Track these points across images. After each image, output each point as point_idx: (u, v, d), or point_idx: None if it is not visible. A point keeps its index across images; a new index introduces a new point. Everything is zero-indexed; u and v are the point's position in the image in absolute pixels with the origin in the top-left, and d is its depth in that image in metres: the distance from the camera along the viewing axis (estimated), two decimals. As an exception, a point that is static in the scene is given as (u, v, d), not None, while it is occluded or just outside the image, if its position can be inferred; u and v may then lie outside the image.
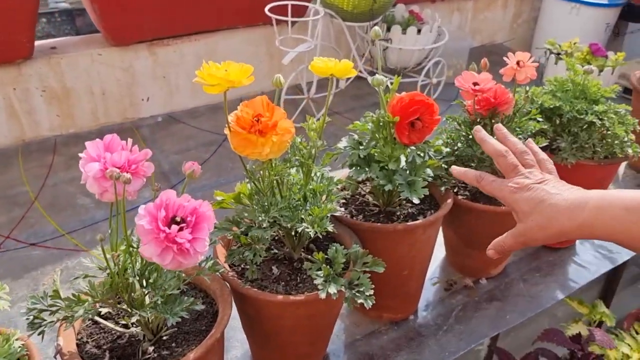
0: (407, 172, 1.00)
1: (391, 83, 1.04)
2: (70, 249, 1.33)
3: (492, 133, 1.13)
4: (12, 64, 1.58)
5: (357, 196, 1.15)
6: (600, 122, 1.20)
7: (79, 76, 1.71)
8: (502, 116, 1.09)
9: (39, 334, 0.71)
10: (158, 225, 0.63)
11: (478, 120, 1.11)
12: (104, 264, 0.74)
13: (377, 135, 1.03)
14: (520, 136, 1.14)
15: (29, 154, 1.68)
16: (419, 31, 1.93)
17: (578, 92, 1.27)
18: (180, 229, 0.64)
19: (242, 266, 0.95)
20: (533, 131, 1.16)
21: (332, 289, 0.84)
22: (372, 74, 2.02)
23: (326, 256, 0.90)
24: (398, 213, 1.09)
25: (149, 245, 0.63)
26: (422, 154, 0.99)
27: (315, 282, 0.85)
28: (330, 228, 0.88)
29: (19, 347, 0.70)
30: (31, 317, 0.72)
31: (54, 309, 0.72)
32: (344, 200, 1.14)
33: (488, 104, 1.08)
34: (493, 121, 1.10)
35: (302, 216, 0.88)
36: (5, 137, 1.68)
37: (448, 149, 1.15)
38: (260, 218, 0.86)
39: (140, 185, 0.74)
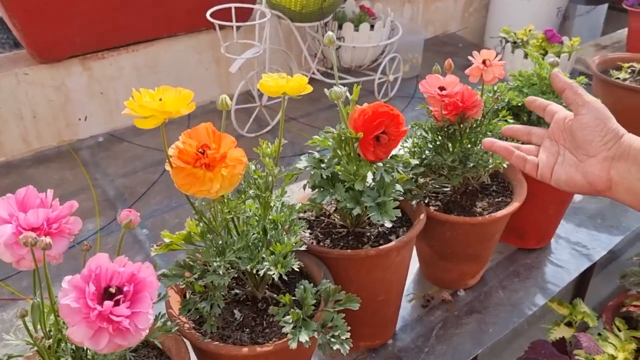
0: (376, 191, 0.91)
1: (351, 92, 0.94)
2: (6, 298, 1.19)
3: (461, 139, 1.05)
4: None
5: (322, 217, 1.05)
6: (570, 118, 1.13)
7: (4, 99, 1.54)
8: (471, 120, 1.01)
9: None
10: (87, 302, 0.51)
11: (447, 127, 1.02)
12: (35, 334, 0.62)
13: (339, 152, 0.94)
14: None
15: (-47, 189, 1.51)
16: (372, 27, 1.84)
17: (545, 87, 1.20)
18: (117, 303, 0.53)
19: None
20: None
21: (304, 337, 0.74)
22: (325, 74, 1.92)
23: (294, 297, 0.80)
24: (368, 234, 1.00)
25: (78, 327, 0.52)
26: (391, 170, 0.90)
27: (284, 330, 0.75)
28: (296, 266, 0.77)
29: None
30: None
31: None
32: (307, 225, 1.04)
33: (456, 109, 1.00)
34: (462, 126, 1.02)
35: (264, 255, 0.78)
36: None
37: (415, 160, 1.06)
38: (215, 263, 0.75)
39: (66, 246, 0.62)
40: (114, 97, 1.73)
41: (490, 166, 1.02)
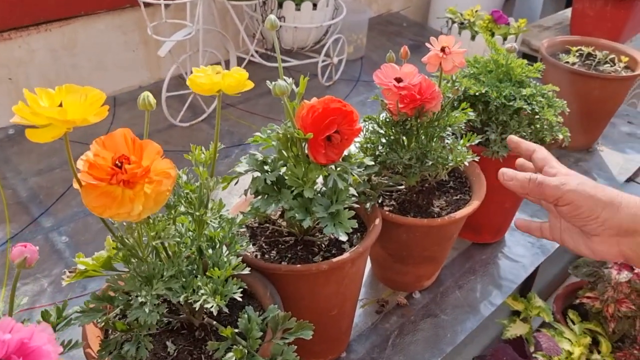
0: (327, 198, 0.80)
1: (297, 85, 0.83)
2: None
3: (418, 135, 0.96)
4: None
5: (267, 224, 0.94)
6: (530, 108, 1.07)
7: None
8: (430, 114, 0.92)
9: None
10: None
11: (405, 121, 0.92)
12: None
13: (285, 153, 0.82)
14: (451, 134, 0.98)
15: None
16: (314, 6, 1.72)
17: (502, 75, 1.13)
18: (-1, 383, 0.40)
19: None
20: (473, 138, 1.01)
21: (244, 378, 0.63)
22: (265, 56, 1.79)
23: (236, 330, 0.68)
24: (319, 242, 0.90)
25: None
26: (344, 174, 0.79)
27: (221, 371, 0.64)
28: (237, 296, 0.66)
29: None
30: None
31: None
32: (250, 232, 0.92)
33: (413, 102, 0.90)
34: (419, 121, 0.93)
35: (199, 283, 0.66)
36: None
37: (369, 159, 0.96)
38: (140, 298, 0.62)
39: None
40: (25, 84, 1.53)
41: (450, 164, 0.93)
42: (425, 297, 1.15)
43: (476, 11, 1.95)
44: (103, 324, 0.66)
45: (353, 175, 0.88)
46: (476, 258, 1.26)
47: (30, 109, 0.52)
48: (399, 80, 0.87)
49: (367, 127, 0.98)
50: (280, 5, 1.71)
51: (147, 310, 0.61)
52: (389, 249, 1.07)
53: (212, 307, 0.63)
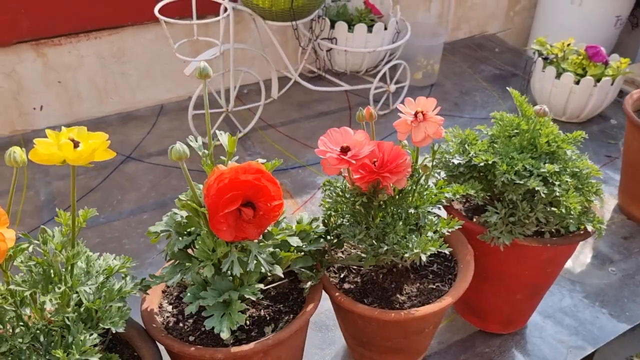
0: (229, 281, 0.70)
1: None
2: None
3: (379, 209, 0.81)
4: None
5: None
6: (547, 190, 0.85)
7: (-53, 84, 1.43)
8: (388, 191, 0.77)
9: None
10: None
11: (357, 196, 0.78)
12: None
13: (197, 222, 0.72)
14: (421, 214, 0.81)
15: None
16: (370, 29, 1.58)
17: (525, 142, 0.92)
18: None
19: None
20: (446, 201, 0.84)
21: None
22: (314, 79, 1.69)
23: None
24: (255, 316, 0.79)
25: None
26: (245, 259, 0.68)
27: None
28: None
29: None
30: None
31: None
32: (179, 290, 0.84)
33: (370, 175, 0.75)
34: (378, 196, 0.78)
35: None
36: None
37: (322, 227, 0.83)
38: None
39: None
40: (74, 88, 1.59)
41: (407, 255, 0.77)
42: (398, 388, 0.99)
43: (568, 45, 1.67)
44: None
45: (284, 252, 0.76)
46: (477, 350, 1.06)
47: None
48: (345, 149, 0.72)
49: (328, 192, 0.84)
50: (332, 26, 1.59)
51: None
52: (349, 330, 0.93)
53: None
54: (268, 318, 0.80)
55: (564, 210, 0.89)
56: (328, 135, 0.74)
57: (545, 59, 1.68)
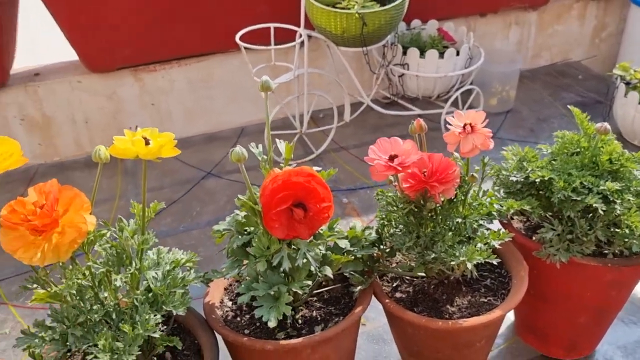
0: (280, 276, 0.75)
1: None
2: (-4, 302, 1.24)
3: (430, 218, 0.83)
4: (-15, 93, 1.53)
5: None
6: (606, 208, 0.84)
7: (59, 104, 1.63)
8: (437, 199, 0.79)
9: None
10: None
11: (406, 204, 0.81)
12: None
13: (253, 221, 0.79)
14: (473, 224, 0.83)
15: (7, 183, 1.63)
16: (441, 54, 1.61)
17: (586, 160, 0.91)
18: None
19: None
20: (504, 212, 0.85)
21: None
22: (389, 101, 1.73)
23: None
24: (298, 315, 0.84)
25: None
26: (295, 256, 0.73)
27: None
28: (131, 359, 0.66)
29: None
30: None
31: None
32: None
33: (418, 184, 0.78)
34: (426, 205, 0.80)
35: (103, 338, 0.67)
36: (-13, 166, 1.64)
37: (375, 235, 0.87)
38: (46, 335, 0.66)
39: None
40: (165, 109, 1.75)
41: (454, 262, 0.78)
42: (451, 405, 0.98)
43: (653, 70, 1.60)
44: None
45: (335, 254, 0.81)
46: (537, 373, 1.03)
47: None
48: (392, 157, 0.76)
49: (381, 202, 0.88)
50: (404, 52, 1.64)
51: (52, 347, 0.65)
52: (401, 339, 0.95)
53: (100, 364, 0.64)
54: (319, 319, 0.84)
55: (627, 230, 0.86)
56: (378, 145, 0.79)
57: (628, 84, 1.62)
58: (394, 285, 0.92)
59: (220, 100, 1.79)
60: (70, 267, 0.68)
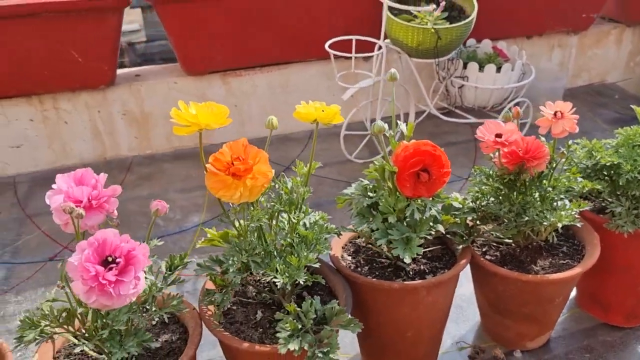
0: (407, 226, 0.93)
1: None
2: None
3: (520, 190, 1.01)
4: (97, 89, 1.74)
5: (371, 245, 1.09)
6: (667, 186, 1.01)
7: (156, 102, 1.83)
8: (531, 172, 0.97)
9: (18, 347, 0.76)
10: (84, 264, 0.64)
11: (504, 175, 0.99)
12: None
13: (382, 184, 0.97)
14: (555, 197, 1.00)
15: (108, 171, 1.83)
16: (498, 69, 1.81)
17: (649, 149, 1.09)
18: (110, 270, 0.65)
19: (231, 306, 0.94)
20: (579, 191, 1.02)
21: (295, 345, 0.80)
22: (446, 111, 1.92)
23: (299, 312, 0.85)
24: (408, 269, 1.01)
25: (76, 282, 0.65)
26: (421, 209, 0.91)
27: (279, 335, 0.81)
28: (302, 280, 0.83)
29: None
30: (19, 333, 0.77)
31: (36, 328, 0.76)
32: (356, 246, 1.09)
33: (515, 159, 0.97)
34: (522, 176, 0.98)
35: (277, 265, 0.85)
36: (89, 154, 1.85)
37: (471, 204, 1.05)
38: (230, 261, 0.84)
39: (101, 220, 0.76)
40: (247, 111, 1.95)
41: (545, 223, 0.96)
42: (526, 358, 1.14)
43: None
44: (210, 277, 0.90)
45: (445, 215, 0.98)
46: (599, 338, 1.19)
47: (177, 113, 0.79)
48: (498, 135, 0.95)
49: (476, 177, 1.06)
50: (465, 66, 1.84)
51: (232, 270, 0.83)
52: (489, 298, 1.11)
53: (278, 282, 0.82)
54: (427, 271, 1.01)
55: (683, 207, 1.04)
56: (485, 126, 0.97)
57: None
58: (483, 250, 1.09)
59: (295, 104, 1.98)
60: (252, 207, 0.87)
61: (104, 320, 0.77)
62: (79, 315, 0.77)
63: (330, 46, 1.66)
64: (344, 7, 1.83)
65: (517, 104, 1.88)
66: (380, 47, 1.66)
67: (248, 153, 0.83)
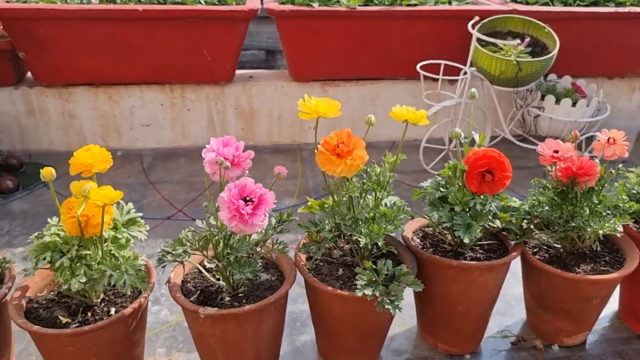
0: (469, 216, 1.13)
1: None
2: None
3: (572, 201, 1.19)
4: (217, 84, 2.07)
5: (437, 233, 1.30)
6: None
7: (263, 101, 2.13)
8: (582, 186, 1.15)
9: (159, 266, 1.04)
10: (231, 199, 0.90)
11: (557, 186, 1.18)
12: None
13: (453, 181, 1.18)
14: (602, 211, 1.18)
15: (215, 154, 2.14)
16: (574, 103, 1.96)
17: (695, 182, 1.23)
18: (247, 205, 0.91)
19: (317, 262, 1.18)
20: (626, 210, 1.19)
21: (369, 291, 1.03)
22: (520, 137, 2.09)
23: (373, 268, 1.08)
24: (467, 255, 1.21)
25: (223, 212, 0.91)
26: (483, 204, 1.12)
27: (357, 283, 1.04)
28: (380, 242, 1.06)
29: (142, 264, 1.03)
30: (160, 255, 1.05)
31: (174, 252, 1.04)
32: (424, 232, 1.30)
33: (568, 173, 1.15)
34: (574, 189, 1.17)
35: (362, 229, 1.08)
36: (203, 139, 2.17)
37: (527, 206, 1.23)
38: (326, 221, 1.09)
39: (240, 174, 1.03)
40: (338, 117, 2.20)
41: (589, 230, 1.14)
42: (562, 353, 1.30)
43: None
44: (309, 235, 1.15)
45: (503, 214, 1.18)
46: (633, 346, 1.33)
47: (303, 104, 1.05)
48: (555, 151, 1.14)
49: (535, 188, 1.25)
50: (542, 98, 2.01)
51: (327, 228, 1.07)
52: (533, 293, 1.29)
53: (362, 241, 1.05)
54: (482, 259, 1.21)
55: None
56: (546, 143, 1.17)
57: None
58: (534, 251, 1.27)
59: (380, 116, 2.23)
60: (347, 183, 1.11)
61: (230, 251, 1.03)
62: (213, 241, 1.04)
63: (421, 68, 1.89)
64: (436, 35, 2.06)
65: (589, 137, 2.01)
66: (465, 73, 1.87)
67: (350, 140, 1.07)
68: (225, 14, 1.86)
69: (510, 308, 1.44)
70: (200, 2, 1.92)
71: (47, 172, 0.95)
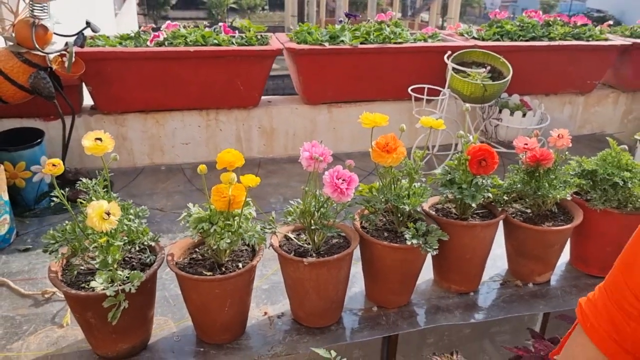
0: (472, 190, 1.67)
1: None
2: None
3: (537, 178, 1.75)
4: (245, 108, 2.54)
5: (445, 207, 1.82)
6: (622, 183, 1.75)
7: (281, 121, 2.62)
8: (543, 167, 1.71)
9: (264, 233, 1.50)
10: (333, 179, 1.39)
11: (527, 169, 1.74)
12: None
13: (459, 167, 1.72)
14: (557, 184, 1.74)
15: (245, 166, 2.60)
16: (524, 115, 2.57)
17: (615, 162, 1.83)
18: (342, 183, 1.40)
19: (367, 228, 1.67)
20: (573, 188, 1.76)
21: (415, 241, 1.53)
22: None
23: (415, 227, 1.59)
24: (468, 220, 1.74)
25: (327, 187, 1.40)
26: (481, 181, 1.66)
27: (406, 235, 1.54)
28: (419, 208, 1.57)
29: (260, 231, 1.49)
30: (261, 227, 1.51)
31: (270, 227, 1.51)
32: (436, 208, 1.82)
33: (534, 159, 1.71)
34: (538, 169, 1.73)
35: (404, 200, 1.59)
36: (231, 154, 2.62)
37: (506, 184, 1.78)
38: (379, 196, 1.59)
39: (325, 165, 1.51)
40: (341, 132, 2.72)
41: (550, 195, 1.70)
42: (535, 287, 1.85)
43: (660, 137, 2.52)
44: (364, 209, 1.64)
45: (492, 189, 1.73)
46: (582, 281, 1.89)
47: (364, 117, 1.57)
48: (525, 144, 1.70)
49: (511, 172, 1.80)
50: (500, 111, 2.60)
51: (378, 204, 1.58)
52: (513, 245, 1.83)
53: (407, 207, 1.56)
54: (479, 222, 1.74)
55: (635, 198, 1.76)
56: (519, 139, 1.73)
57: (643, 144, 2.54)
58: (512, 216, 1.82)
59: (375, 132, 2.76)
60: (391, 170, 1.62)
61: (322, 217, 1.51)
62: (311, 211, 1.51)
63: (411, 90, 2.44)
64: (418, 65, 2.62)
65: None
66: (444, 94, 2.43)
67: (394, 141, 1.59)
68: (257, 52, 2.34)
69: (495, 262, 1.98)
70: (233, 43, 2.40)
71: (203, 168, 1.40)
